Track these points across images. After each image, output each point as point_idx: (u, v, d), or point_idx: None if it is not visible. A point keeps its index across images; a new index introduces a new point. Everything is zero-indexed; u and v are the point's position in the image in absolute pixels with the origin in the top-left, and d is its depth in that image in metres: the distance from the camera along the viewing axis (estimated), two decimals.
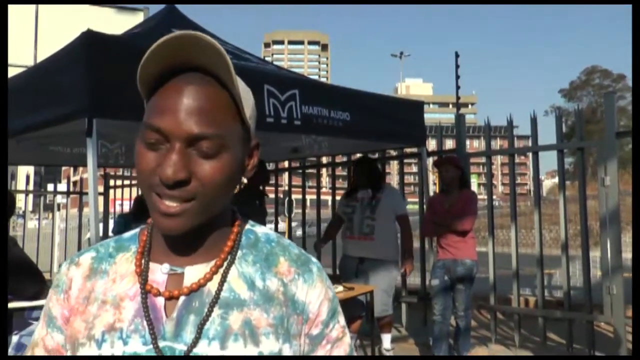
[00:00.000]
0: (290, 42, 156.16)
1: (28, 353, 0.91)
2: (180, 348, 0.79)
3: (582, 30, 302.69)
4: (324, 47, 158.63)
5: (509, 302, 5.76)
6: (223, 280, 0.83)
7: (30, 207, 9.79)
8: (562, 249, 5.26)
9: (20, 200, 10.95)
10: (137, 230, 0.94)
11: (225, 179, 0.79)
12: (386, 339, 5.11)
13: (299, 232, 9.82)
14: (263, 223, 5.37)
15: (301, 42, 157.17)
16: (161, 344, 0.79)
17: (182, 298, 0.82)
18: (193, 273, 0.84)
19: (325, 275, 0.91)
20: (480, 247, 5.91)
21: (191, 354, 0.78)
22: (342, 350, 0.89)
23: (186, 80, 0.77)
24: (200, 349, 0.78)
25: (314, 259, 0.92)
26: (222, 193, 0.80)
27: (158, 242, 0.87)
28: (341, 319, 0.90)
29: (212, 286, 0.83)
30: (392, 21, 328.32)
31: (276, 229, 7.75)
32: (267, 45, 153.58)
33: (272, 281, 0.86)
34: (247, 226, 0.93)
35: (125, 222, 5.95)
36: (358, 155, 6.60)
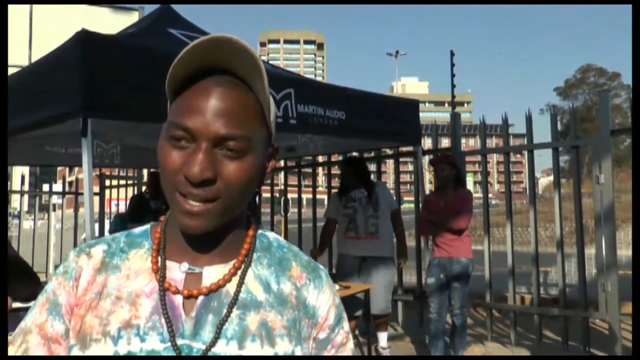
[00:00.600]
0: (286, 41, 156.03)
1: (17, 341, 0.86)
2: (198, 347, 0.80)
3: (577, 29, 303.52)
4: (320, 46, 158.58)
5: (505, 299, 5.78)
6: (241, 282, 0.85)
7: (25, 208, 9.75)
8: (558, 247, 5.28)
9: (15, 201, 10.91)
10: (147, 226, 0.94)
11: (248, 181, 0.80)
12: (382, 338, 5.12)
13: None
14: (258, 221, 5.36)
15: (297, 42, 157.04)
16: (179, 341, 0.80)
17: (201, 297, 0.83)
18: (211, 273, 0.85)
19: (332, 282, 0.95)
20: (477, 245, 5.93)
21: (209, 354, 0.79)
22: (345, 354, 0.91)
23: (215, 82, 0.79)
24: (219, 349, 0.80)
25: (321, 266, 0.96)
26: (244, 195, 0.82)
27: (173, 240, 0.88)
28: (346, 325, 0.93)
29: (231, 287, 0.85)
30: (388, 20, 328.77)
31: (272, 228, 7.74)
32: (262, 44, 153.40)
33: (286, 284, 0.89)
34: (260, 230, 0.95)
35: (122, 222, 5.94)
36: (354, 154, 6.61)
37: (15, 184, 9.36)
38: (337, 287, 4.37)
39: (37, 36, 6.91)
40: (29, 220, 12.02)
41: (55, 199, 10.05)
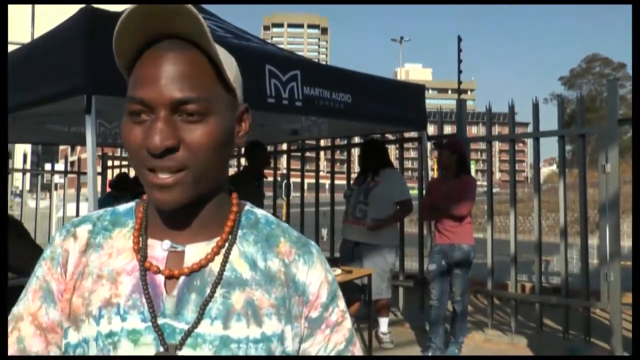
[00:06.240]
0: (289, 25, 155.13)
1: (9, 327, 0.84)
2: (181, 327, 0.78)
3: (583, 18, 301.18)
4: (324, 31, 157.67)
5: (506, 287, 5.78)
6: (225, 260, 0.82)
7: (27, 187, 9.75)
8: (561, 236, 5.26)
9: (17, 180, 10.91)
10: (132, 204, 0.92)
11: (214, 144, 0.77)
12: (383, 323, 5.14)
13: None
14: (261, 205, 5.35)
15: (301, 25, 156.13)
16: (160, 321, 0.78)
17: (182, 277, 0.80)
18: (194, 251, 0.82)
19: (324, 258, 0.90)
20: (478, 233, 5.91)
21: (193, 333, 0.77)
22: (341, 335, 0.87)
23: (165, 48, 0.76)
24: (203, 329, 0.77)
25: (313, 242, 0.92)
26: (214, 160, 0.78)
27: (155, 218, 0.85)
28: (341, 303, 0.89)
29: (214, 265, 0.82)
30: (392, 6, 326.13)
31: (274, 212, 7.74)
32: (266, 28, 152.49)
33: (274, 261, 0.85)
34: (247, 207, 0.92)
35: (108, 203, 5.90)
36: (357, 139, 6.57)
37: (17, 162, 9.33)
38: (339, 271, 4.37)
39: (39, 14, 6.85)
40: (33, 200, 12.04)
41: (57, 179, 10.03)
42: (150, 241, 0.84)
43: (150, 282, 0.80)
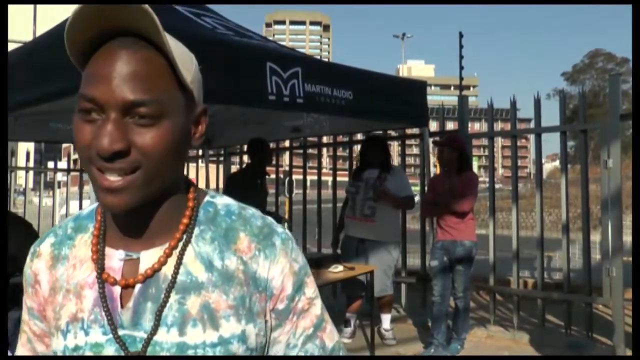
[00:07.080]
0: (291, 22, 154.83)
1: (21, 325, 0.92)
2: (140, 336, 0.78)
3: (586, 13, 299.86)
4: (326, 28, 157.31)
5: (508, 283, 5.77)
6: (179, 263, 0.80)
7: (30, 185, 9.77)
8: (563, 231, 5.25)
9: (20, 178, 10.91)
10: (94, 206, 0.90)
11: (168, 147, 0.75)
12: (386, 320, 5.14)
13: None
14: (264, 202, 5.36)
15: (303, 23, 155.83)
16: (121, 332, 0.78)
17: (138, 286, 0.80)
18: (149, 258, 0.81)
19: (291, 247, 0.86)
20: (481, 229, 5.91)
21: (152, 342, 0.77)
22: (309, 320, 0.86)
23: (119, 45, 0.74)
24: (160, 337, 0.78)
25: (280, 230, 0.87)
26: (167, 163, 0.76)
27: (112, 225, 0.83)
28: (308, 291, 0.87)
29: (168, 270, 0.80)
30: (394, 2, 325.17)
31: (277, 209, 7.75)
32: (268, 25, 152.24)
33: (232, 260, 0.82)
34: (207, 198, 0.88)
35: None
36: (359, 135, 6.57)
37: (20, 160, 9.35)
38: (340, 267, 4.38)
39: (41, 13, 6.85)
40: (37, 197, 12.06)
41: (60, 176, 10.04)
42: (108, 250, 0.83)
43: (109, 295, 0.80)
